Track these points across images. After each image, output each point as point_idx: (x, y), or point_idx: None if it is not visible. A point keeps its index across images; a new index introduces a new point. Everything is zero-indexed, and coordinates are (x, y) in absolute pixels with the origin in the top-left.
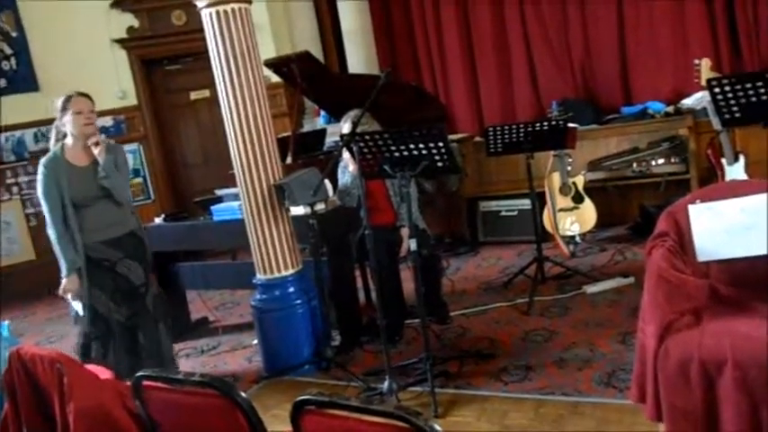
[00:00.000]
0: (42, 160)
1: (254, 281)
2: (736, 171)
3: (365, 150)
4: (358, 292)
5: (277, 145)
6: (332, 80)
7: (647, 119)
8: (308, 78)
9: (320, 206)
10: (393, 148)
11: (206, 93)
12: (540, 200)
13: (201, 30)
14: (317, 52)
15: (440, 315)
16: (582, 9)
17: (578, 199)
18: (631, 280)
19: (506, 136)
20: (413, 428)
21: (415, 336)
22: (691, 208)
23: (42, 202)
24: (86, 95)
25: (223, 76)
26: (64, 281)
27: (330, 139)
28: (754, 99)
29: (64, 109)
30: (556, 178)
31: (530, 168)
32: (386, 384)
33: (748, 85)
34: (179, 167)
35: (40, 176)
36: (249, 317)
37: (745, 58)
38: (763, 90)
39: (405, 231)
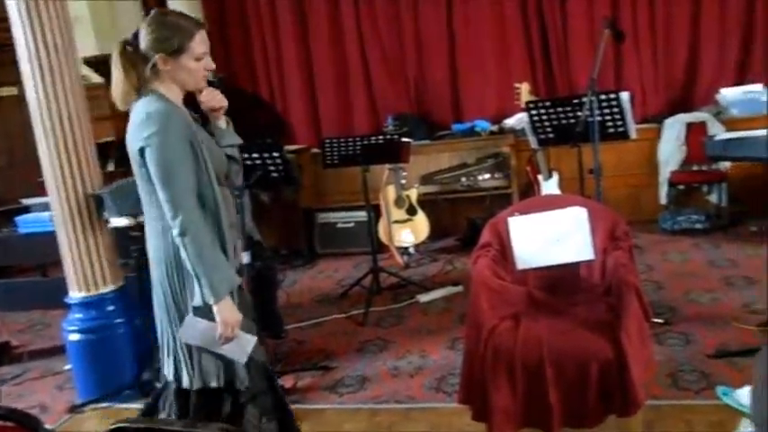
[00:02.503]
0: (155, 110)
1: (66, 299)
2: (550, 186)
3: None
4: None
5: (97, 151)
6: None
7: (474, 136)
8: None
9: None
10: None
11: (13, 90)
12: (375, 212)
13: (6, 19)
14: None
15: (275, 329)
16: (416, 28)
17: (412, 211)
18: (460, 288)
19: (343, 149)
20: None
21: None
22: (510, 220)
23: (168, 172)
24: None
25: (32, 72)
26: (224, 309)
27: None
28: (564, 122)
29: (180, 50)
30: (391, 191)
31: (365, 181)
32: None
33: (560, 109)
34: None
35: (160, 128)
36: (62, 339)
37: (558, 82)
38: (571, 114)
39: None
